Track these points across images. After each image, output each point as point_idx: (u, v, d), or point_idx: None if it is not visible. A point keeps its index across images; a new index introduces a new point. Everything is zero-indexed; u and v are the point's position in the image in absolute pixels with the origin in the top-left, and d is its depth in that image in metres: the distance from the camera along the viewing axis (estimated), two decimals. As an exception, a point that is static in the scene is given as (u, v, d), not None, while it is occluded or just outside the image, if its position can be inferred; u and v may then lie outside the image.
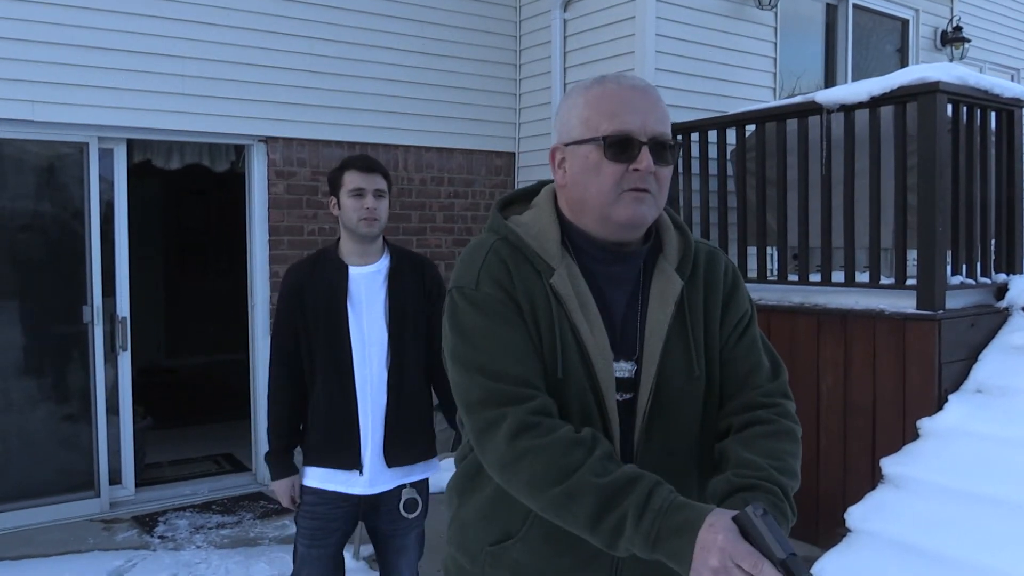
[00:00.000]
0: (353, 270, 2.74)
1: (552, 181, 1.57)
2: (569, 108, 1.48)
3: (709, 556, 1.16)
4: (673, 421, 1.47)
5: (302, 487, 2.79)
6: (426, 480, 2.89)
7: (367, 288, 2.74)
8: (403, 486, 2.78)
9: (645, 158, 1.40)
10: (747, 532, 1.16)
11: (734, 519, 1.18)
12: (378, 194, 2.73)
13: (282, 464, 2.80)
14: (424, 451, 2.84)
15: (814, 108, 4.40)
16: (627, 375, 1.46)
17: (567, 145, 1.47)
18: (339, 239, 2.81)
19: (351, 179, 2.72)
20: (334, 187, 2.77)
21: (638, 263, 1.50)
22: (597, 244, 1.47)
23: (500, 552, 1.52)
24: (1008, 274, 4.54)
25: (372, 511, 2.83)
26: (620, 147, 1.39)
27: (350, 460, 2.72)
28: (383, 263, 2.78)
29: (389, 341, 2.73)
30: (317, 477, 2.76)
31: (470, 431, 1.42)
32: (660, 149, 1.41)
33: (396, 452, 2.74)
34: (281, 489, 2.80)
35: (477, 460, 1.51)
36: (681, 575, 1.21)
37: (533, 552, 1.48)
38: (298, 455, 2.84)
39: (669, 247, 1.53)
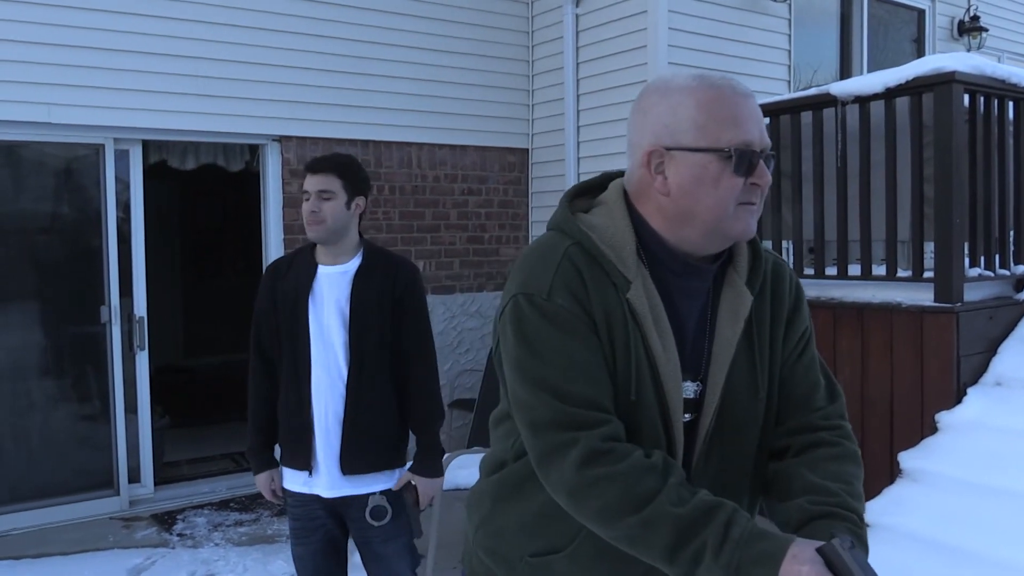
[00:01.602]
0: (322, 269, 2.69)
1: (618, 176, 1.47)
2: (674, 108, 1.33)
3: None
4: (733, 442, 1.42)
5: (285, 489, 2.78)
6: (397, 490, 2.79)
7: (330, 287, 2.67)
8: (372, 493, 2.69)
9: (765, 172, 1.33)
10: (833, 565, 1.12)
11: (819, 551, 1.15)
12: (324, 195, 2.62)
13: (259, 459, 2.81)
14: (388, 460, 2.73)
15: (829, 100, 4.36)
16: (691, 396, 1.40)
17: (671, 150, 1.33)
18: None
19: (305, 182, 2.69)
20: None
21: (711, 276, 1.42)
22: (675, 255, 1.38)
23: (542, 564, 1.46)
24: (1027, 265, 4.48)
25: (345, 516, 2.77)
26: (745, 160, 1.31)
27: (302, 460, 2.68)
28: (353, 263, 2.70)
29: (349, 343, 2.64)
30: (284, 477, 2.76)
31: (534, 452, 1.35)
32: (769, 161, 1.35)
33: (352, 460, 2.65)
34: (260, 484, 2.81)
35: (522, 471, 1.45)
36: None
37: (578, 567, 1.43)
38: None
39: (739, 259, 1.44)
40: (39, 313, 5.00)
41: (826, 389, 1.50)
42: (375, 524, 2.68)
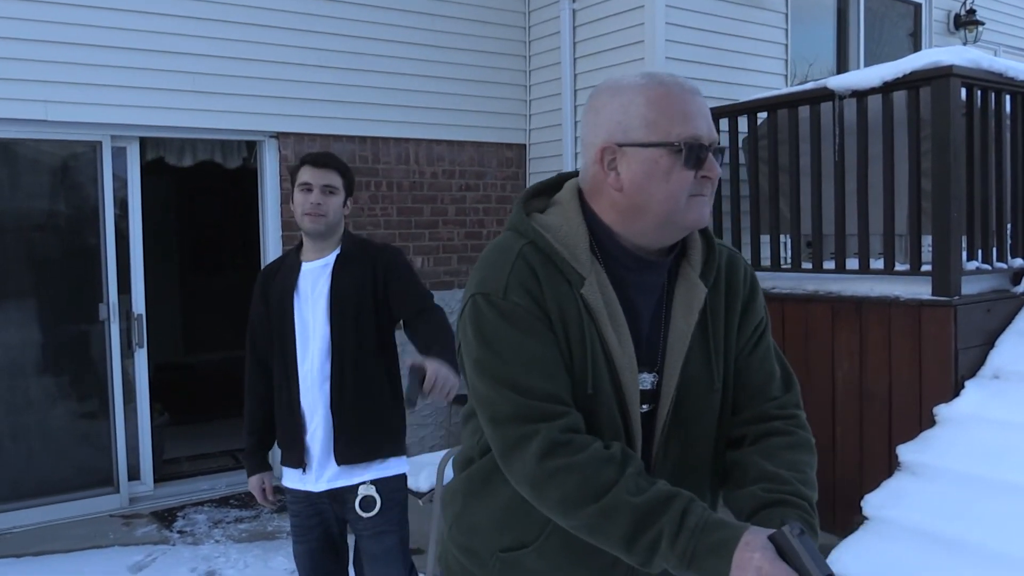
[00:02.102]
0: (305, 266, 2.72)
1: (572, 175, 1.51)
2: (624, 106, 1.37)
3: (745, 575, 1.17)
4: (691, 433, 1.45)
5: (284, 487, 2.78)
6: (395, 478, 2.75)
7: (312, 282, 2.69)
8: (362, 482, 2.67)
9: (715, 166, 1.37)
10: (783, 551, 1.16)
11: (770, 538, 1.18)
12: (327, 190, 2.67)
13: (251, 461, 2.83)
14: (381, 449, 2.70)
15: (826, 94, 4.36)
16: (648, 387, 1.43)
17: (623, 146, 1.37)
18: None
19: (302, 174, 2.69)
20: (292, 183, 2.74)
21: (665, 270, 1.45)
22: (628, 252, 1.42)
23: (513, 559, 1.49)
24: (1025, 259, 4.50)
25: (342, 511, 2.74)
26: (694, 153, 1.35)
27: (296, 457, 2.69)
28: (332, 255, 2.72)
29: (331, 335, 2.64)
30: (284, 475, 2.76)
31: (496, 446, 1.38)
32: (717, 155, 1.39)
33: (343, 449, 2.65)
34: (251, 486, 2.83)
35: (488, 466, 1.48)
36: None
37: (549, 561, 1.46)
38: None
39: (693, 252, 1.47)
40: (37, 311, 5.00)
41: (781, 379, 1.53)
42: (363, 515, 2.65)
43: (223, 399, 7.87)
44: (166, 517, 5.00)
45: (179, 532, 4.74)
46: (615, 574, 1.45)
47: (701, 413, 1.46)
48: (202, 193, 9.50)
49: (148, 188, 5.34)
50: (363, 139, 5.78)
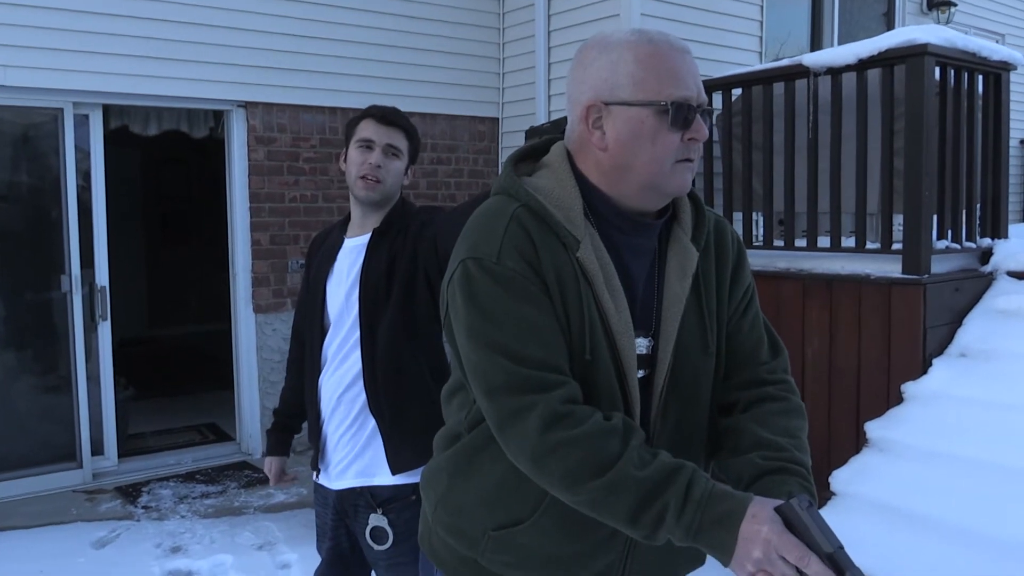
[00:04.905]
0: (347, 242, 2.36)
1: (558, 139, 1.47)
2: (613, 63, 1.33)
3: (753, 548, 1.15)
4: (688, 398, 1.43)
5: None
6: (405, 487, 2.27)
7: (349, 263, 2.32)
8: (365, 489, 2.29)
9: (702, 127, 1.33)
10: (791, 524, 1.15)
11: (778, 510, 1.17)
12: (391, 151, 2.31)
13: (271, 440, 2.58)
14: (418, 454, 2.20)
15: (801, 71, 4.35)
16: (644, 351, 1.40)
17: (609, 104, 1.33)
18: None
19: (362, 128, 2.31)
20: (346, 138, 2.36)
21: (657, 233, 1.43)
22: (621, 213, 1.38)
23: (505, 537, 1.45)
24: (993, 238, 4.54)
25: (353, 523, 2.37)
26: (681, 114, 1.31)
27: (315, 448, 2.38)
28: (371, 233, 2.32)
29: (360, 327, 2.26)
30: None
31: (492, 417, 1.33)
32: (705, 116, 1.35)
33: (395, 457, 2.25)
34: (264, 467, 2.59)
35: (477, 442, 1.45)
36: (722, 564, 1.21)
37: (543, 537, 1.43)
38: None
39: (684, 215, 1.45)
40: (-4, 282, 4.88)
41: (769, 344, 1.53)
42: (375, 547, 2.30)
43: (189, 373, 7.80)
44: (130, 492, 4.92)
45: (144, 508, 4.67)
46: (613, 545, 1.43)
47: (697, 377, 1.44)
48: (168, 163, 9.33)
49: (112, 157, 5.21)
50: (333, 110, 5.68)
